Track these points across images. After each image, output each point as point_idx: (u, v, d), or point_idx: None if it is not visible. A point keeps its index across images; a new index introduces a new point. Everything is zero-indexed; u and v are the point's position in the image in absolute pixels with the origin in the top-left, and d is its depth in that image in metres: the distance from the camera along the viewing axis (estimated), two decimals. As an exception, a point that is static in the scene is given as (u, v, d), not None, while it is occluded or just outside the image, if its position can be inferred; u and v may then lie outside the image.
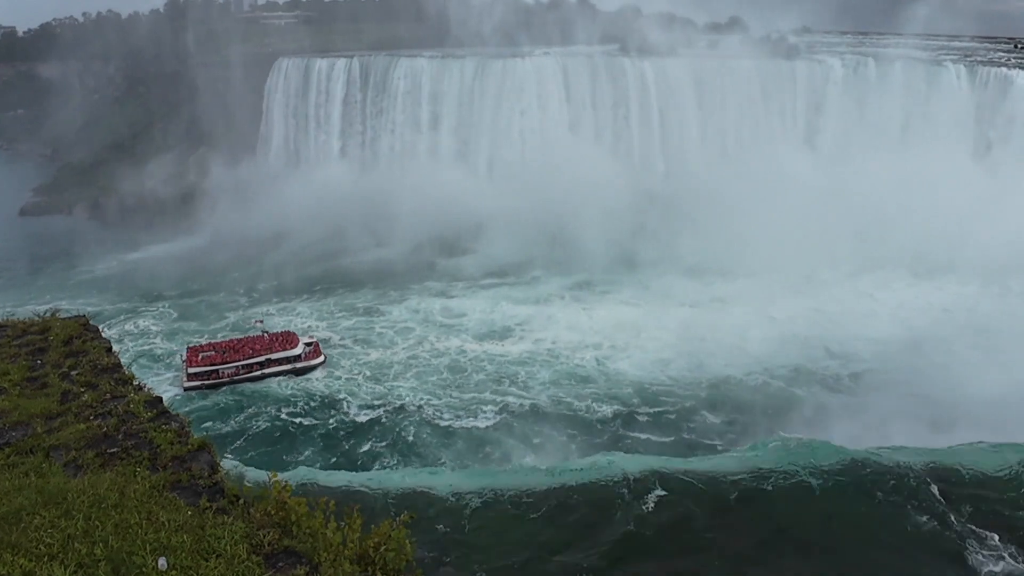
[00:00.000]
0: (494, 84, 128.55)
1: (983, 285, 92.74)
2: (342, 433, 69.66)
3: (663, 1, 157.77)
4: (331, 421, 71.47)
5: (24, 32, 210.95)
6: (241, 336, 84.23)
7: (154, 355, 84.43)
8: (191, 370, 77.46)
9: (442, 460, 64.64)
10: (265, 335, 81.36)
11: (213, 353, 79.25)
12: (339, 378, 79.36)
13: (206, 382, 77.00)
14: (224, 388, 77.13)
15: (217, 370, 77.40)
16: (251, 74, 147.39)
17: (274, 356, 78.78)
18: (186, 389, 76.65)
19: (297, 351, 79.63)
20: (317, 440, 68.53)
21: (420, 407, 72.97)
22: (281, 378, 78.61)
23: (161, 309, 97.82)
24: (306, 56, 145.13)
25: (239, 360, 78.23)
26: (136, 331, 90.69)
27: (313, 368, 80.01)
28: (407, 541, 11.30)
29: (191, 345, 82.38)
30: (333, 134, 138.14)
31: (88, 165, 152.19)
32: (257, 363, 78.33)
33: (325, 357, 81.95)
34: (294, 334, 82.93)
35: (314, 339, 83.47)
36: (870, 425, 65.33)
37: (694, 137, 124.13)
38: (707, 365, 79.94)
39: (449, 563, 46.27)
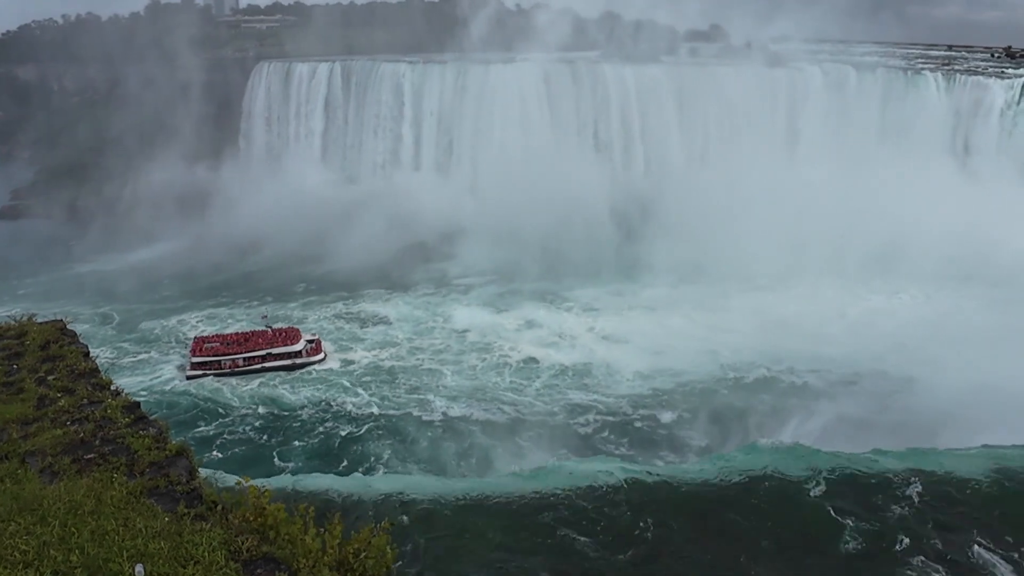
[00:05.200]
0: (476, 90, 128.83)
1: (960, 291, 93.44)
2: (317, 437, 69.71)
3: (644, 8, 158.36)
4: (309, 424, 71.47)
5: (2, 34, 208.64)
6: (248, 330, 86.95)
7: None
8: (195, 359, 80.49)
9: (383, 461, 65.35)
10: (269, 330, 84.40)
11: (218, 344, 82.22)
12: (323, 380, 79.64)
13: (208, 372, 79.65)
14: (221, 380, 79.08)
15: (220, 361, 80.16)
16: (232, 78, 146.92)
17: (275, 351, 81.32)
18: (189, 377, 79.48)
19: (298, 347, 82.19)
20: (295, 444, 68.32)
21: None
22: (277, 374, 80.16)
23: (105, 311, 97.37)
24: (287, 60, 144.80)
25: (242, 353, 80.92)
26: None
27: (312, 364, 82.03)
28: (388, 548, 11.27)
29: (198, 336, 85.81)
30: (314, 139, 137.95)
31: (67, 168, 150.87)
32: (258, 356, 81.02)
33: (325, 354, 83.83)
34: (297, 330, 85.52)
35: (316, 336, 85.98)
36: (835, 430, 65.59)
37: (675, 144, 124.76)
38: (625, 372, 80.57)
39: (428, 570, 46.12)
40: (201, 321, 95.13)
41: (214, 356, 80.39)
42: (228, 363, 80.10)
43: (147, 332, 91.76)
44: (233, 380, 79.12)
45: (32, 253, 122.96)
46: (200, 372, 79.54)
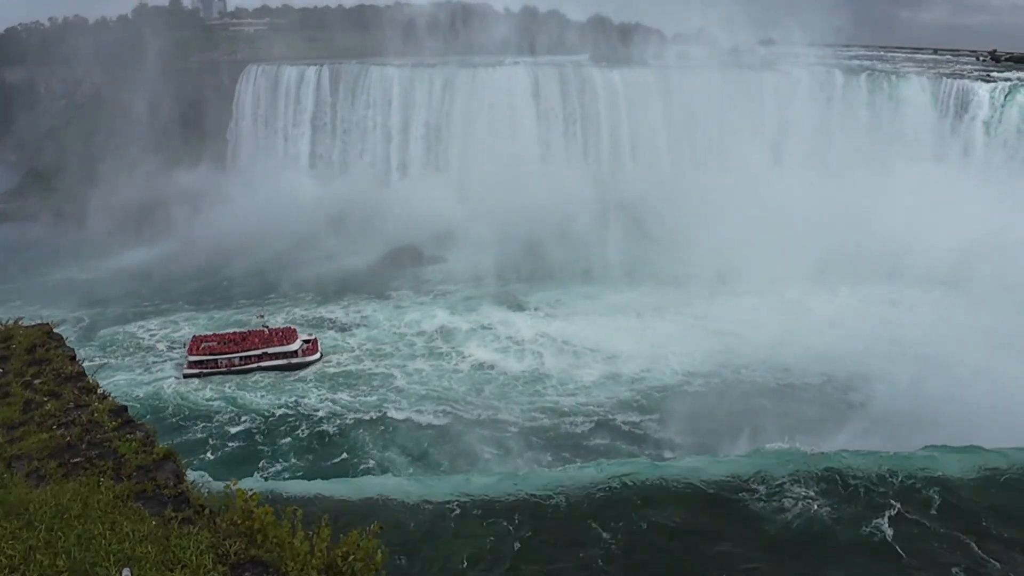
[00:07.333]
0: (464, 93, 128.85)
1: (947, 294, 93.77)
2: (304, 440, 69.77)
3: (632, 12, 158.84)
4: (293, 427, 71.52)
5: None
6: (244, 329, 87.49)
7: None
8: (191, 358, 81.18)
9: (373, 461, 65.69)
10: (266, 329, 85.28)
11: (215, 344, 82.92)
12: (305, 382, 79.76)
13: (204, 370, 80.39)
14: (217, 379, 79.85)
15: (216, 360, 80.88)
16: (220, 81, 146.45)
17: (271, 350, 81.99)
18: (185, 376, 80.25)
19: (294, 347, 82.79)
20: (288, 446, 68.22)
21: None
22: (273, 373, 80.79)
23: (79, 314, 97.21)
24: (276, 63, 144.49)
25: (238, 352, 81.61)
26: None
27: (308, 364, 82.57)
28: (377, 550, 11.24)
29: (196, 335, 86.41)
30: (302, 142, 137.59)
31: (54, 171, 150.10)
32: (254, 356, 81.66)
33: (322, 354, 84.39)
34: (294, 330, 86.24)
35: (313, 336, 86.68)
36: (810, 433, 65.76)
37: (662, 148, 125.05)
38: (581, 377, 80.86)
39: (418, 572, 46.10)
40: (174, 325, 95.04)
41: (210, 355, 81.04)
42: (224, 362, 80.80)
43: (110, 338, 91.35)
44: (226, 381, 79.33)
45: (14, 256, 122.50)
46: (196, 371, 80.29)
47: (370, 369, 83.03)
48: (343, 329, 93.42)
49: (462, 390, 78.35)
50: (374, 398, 76.49)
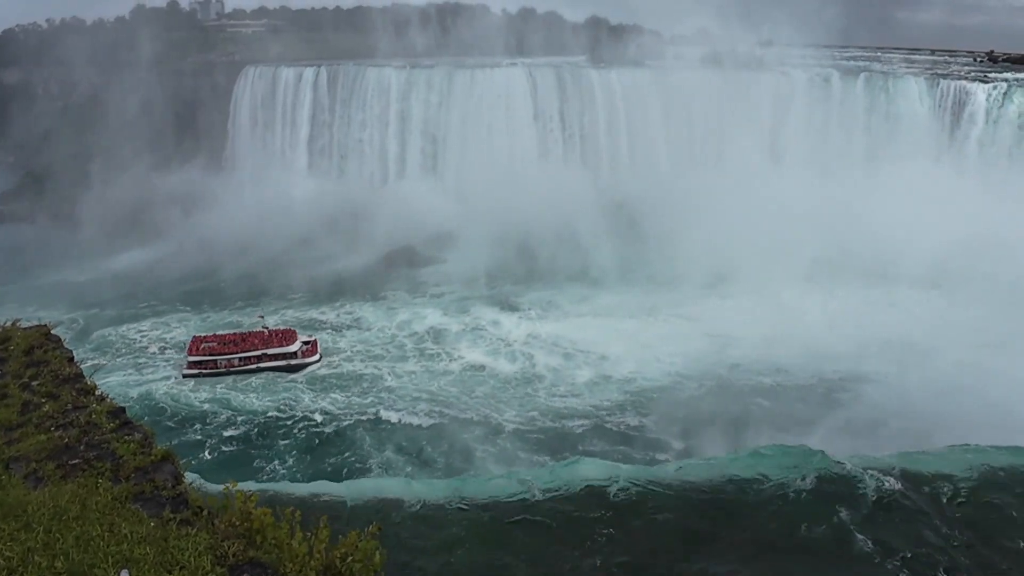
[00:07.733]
0: (462, 94, 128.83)
1: (939, 294, 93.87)
2: (304, 441, 69.70)
3: (630, 12, 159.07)
4: (295, 429, 71.37)
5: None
6: (244, 330, 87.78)
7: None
8: (191, 358, 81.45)
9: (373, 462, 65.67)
10: (265, 330, 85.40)
11: (215, 344, 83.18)
12: (297, 384, 79.89)
13: (203, 371, 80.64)
14: (213, 380, 80.00)
15: (215, 360, 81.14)
16: (218, 82, 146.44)
17: (271, 351, 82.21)
18: (185, 376, 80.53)
19: (293, 348, 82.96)
20: (283, 448, 68.16)
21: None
22: (267, 375, 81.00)
23: (74, 316, 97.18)
24: (273, 65, 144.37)
25: (238, 352, 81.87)
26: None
27: (308, 365, 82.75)
28: (376, 552, 11.24)
29: (196, 335, 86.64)
30: (300, 143, 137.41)
31: (51, 173, 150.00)
32: (254, 356, 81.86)
33: (321, 355, 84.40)
34: (293, 331, 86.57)
35: (313, 337, 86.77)
36: (804, 434, 65.72)
37: (660, 149, 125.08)
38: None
39: (416, 573, 46.03)
40: (167, 327, 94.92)
41: (210, 355, 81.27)
42: (224, 363, 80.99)
43: (105, 339, 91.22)
44: (223, 382, 79.47)
45: (10, 258, 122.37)
46: (196, 371, 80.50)
47: (361, 370, 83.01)
48: (336, 330, 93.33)
49: (454, 392, 78.20)
50: (367, 400, 76.48)
